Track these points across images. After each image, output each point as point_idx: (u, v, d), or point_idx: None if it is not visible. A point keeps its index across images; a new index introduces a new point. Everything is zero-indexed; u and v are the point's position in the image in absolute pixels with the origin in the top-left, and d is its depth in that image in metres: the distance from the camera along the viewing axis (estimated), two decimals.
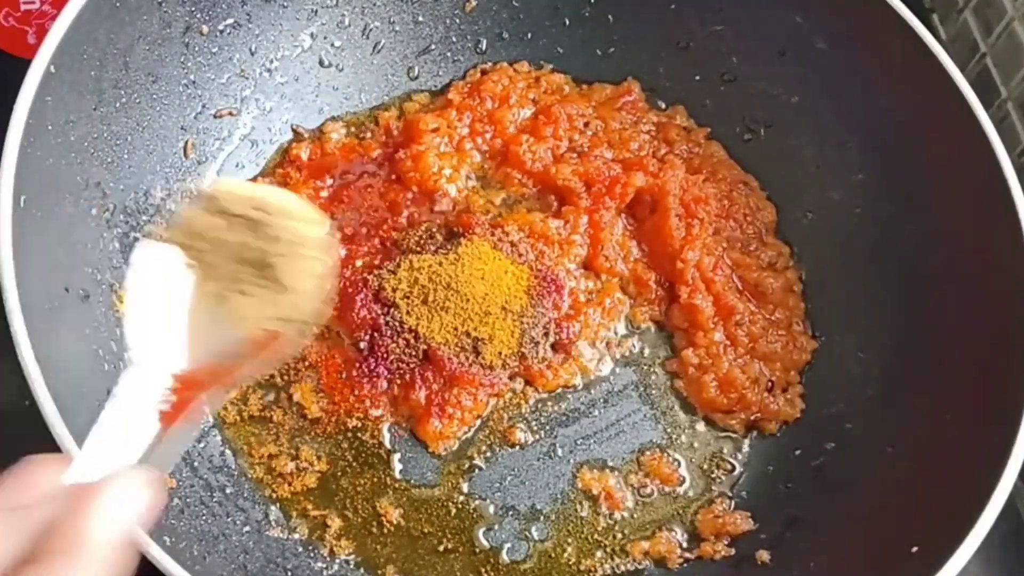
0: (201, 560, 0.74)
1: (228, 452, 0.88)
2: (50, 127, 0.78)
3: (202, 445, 0.87)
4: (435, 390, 0.91)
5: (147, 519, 0.50)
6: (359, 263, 0.97)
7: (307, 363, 0.92)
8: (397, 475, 0.90)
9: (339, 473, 0.89)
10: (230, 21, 0.97)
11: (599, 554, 0.89)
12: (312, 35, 1.04)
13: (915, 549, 0.77)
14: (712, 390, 0.96)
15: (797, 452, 0.95)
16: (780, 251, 1.04)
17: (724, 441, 0.96)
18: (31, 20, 1.07)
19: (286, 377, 0.92)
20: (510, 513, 0.90)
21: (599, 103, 1.10)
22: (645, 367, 0.99)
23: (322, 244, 0.54)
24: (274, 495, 0.87)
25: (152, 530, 0.67)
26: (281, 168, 1.02)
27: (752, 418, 0.96)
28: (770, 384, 0.97)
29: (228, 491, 0.85)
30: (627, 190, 1.03)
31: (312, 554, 0.85)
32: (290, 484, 0.88)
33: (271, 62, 1.02)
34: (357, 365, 0.92)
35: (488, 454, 0.92)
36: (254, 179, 1.01)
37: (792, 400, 0.97)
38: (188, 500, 0.80)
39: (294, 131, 1.04)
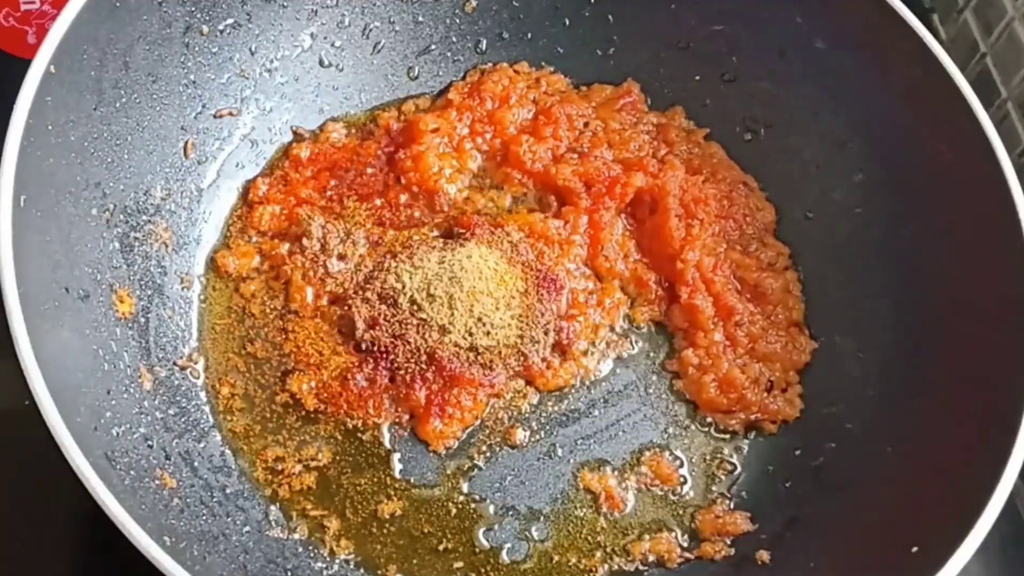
0: (201, 560, 0.74)
1: (228, 452, 0.88)
2: (50, 127, 0.78)
3: (202, 445, 0.87)
4: (435, 390, 0.91)
5: None
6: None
7: (308, 361, 0.93)
8: (397, 475, 0.90)
9: (339, 473, 0.89)
10: (230, 21, 0.97)
11: (599, 554, 0.89)
12: (312, 35, 1.04)
13: (915, 549, 0.77)
14: (712, 390, 0.96)
15: (797, 452, 0.95)
16: (780, 251, 1.04)
17: (724, 441, 0.96)
18: (31, 20, 1.07)
19: (283, 368, 0.92)
20: (510, 513, 0.90)
21: (599, 104, 1.10)
22: (645, 367, 0.99)
23: None
24: (274, 495, 0.87)
25: (152, 530, 0.67)
26: (281, 168, 1.02)
27: (752, 418, 0.96)
28: (769, 384, 0.97)
29: (228, 491, 0.85)
30: (627, 190, 1.03)
31: (312, 554, 0.85)
32: (290, 484, 0.88)
33: (271, 62, 1.02)
34: (357, 364, 0.92)
35: (488, 454, 0.92)
36: (254, 179, 1.01)
37: (791, 400, 0.97)
38: (188, 500, 0.80)
39: (294, 132, 1.04)
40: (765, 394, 0.97)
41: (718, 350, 0.97)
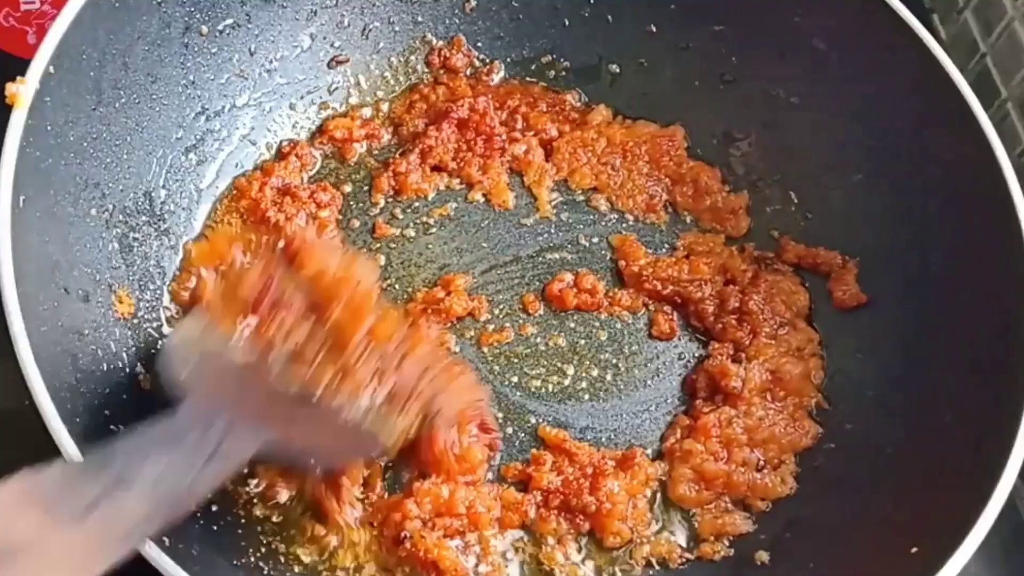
0: (203, 560, 0.74)
1: None
2: (50, 127, 0.78)
3: None
4: None
5: None
6: None
7: None
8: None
9: None
10: (229, 21, 0.97)
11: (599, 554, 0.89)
12: (312, 35, 1.04)
13: (915, 549, 0.77)
14: (685, 489, 0.89)
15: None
16: (810, 337, 0.98)
17: None
18: (31, 20, 1.07)
19: None
20: None
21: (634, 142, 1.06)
22: None
23: None
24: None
25: None
26: (280, 168, 1.02)
27: (740, 498, 0.90)
28: (761, 464, 0.91)
29: (228, 489, 0.85)
30: None
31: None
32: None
33: (271, 62, 1.02)
34: None
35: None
36: (254, 179, 1.01)
37: (784, 478, 0.91)
38: None
39: (293, 134, 1.04)
40: (755, 473, 0.90)
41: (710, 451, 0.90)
